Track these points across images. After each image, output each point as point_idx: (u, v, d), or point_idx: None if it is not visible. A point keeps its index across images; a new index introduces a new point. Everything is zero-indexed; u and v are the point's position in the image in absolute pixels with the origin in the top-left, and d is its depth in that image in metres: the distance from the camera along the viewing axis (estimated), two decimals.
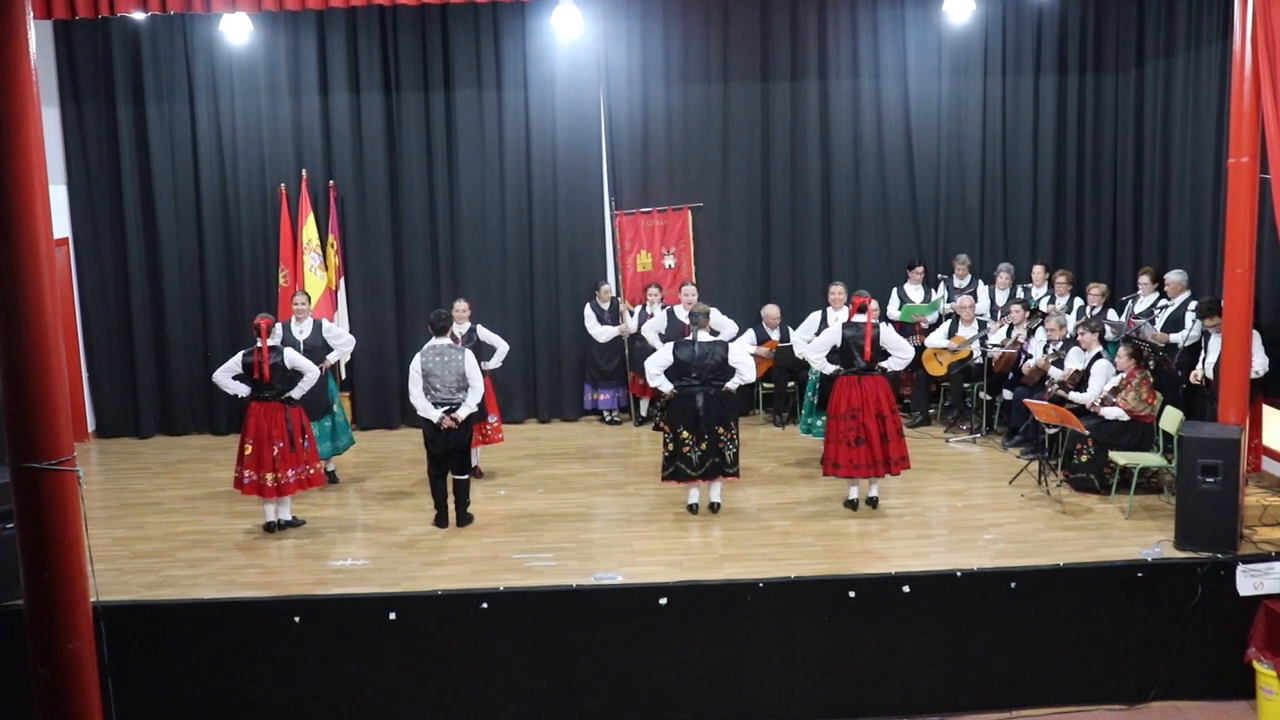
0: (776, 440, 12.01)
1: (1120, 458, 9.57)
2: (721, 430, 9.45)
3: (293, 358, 9.46)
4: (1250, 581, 8.24)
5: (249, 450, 9.33)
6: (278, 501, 9.49)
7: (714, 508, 9.68)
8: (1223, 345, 8.85)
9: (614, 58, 12.68)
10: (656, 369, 9.52)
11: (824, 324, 11.47)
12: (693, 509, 9.66)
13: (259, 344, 9.32)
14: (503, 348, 10.87)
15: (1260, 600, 8.23)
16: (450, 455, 9.48)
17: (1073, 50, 12.80)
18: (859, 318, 9.56)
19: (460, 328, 10.58)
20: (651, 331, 11.88)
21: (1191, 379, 10.02)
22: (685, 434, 9.42)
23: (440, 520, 9.57)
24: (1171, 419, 9.52)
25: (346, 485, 10.85)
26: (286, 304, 11.74)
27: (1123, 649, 8.30)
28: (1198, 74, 11.21)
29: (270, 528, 9.49)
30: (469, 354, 9.50)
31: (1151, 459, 9.60)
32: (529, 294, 12.94)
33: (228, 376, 9.42)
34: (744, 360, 9.53)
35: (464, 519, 9.59)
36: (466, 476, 9.64)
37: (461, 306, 10.78)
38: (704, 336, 9.55)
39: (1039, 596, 8.25)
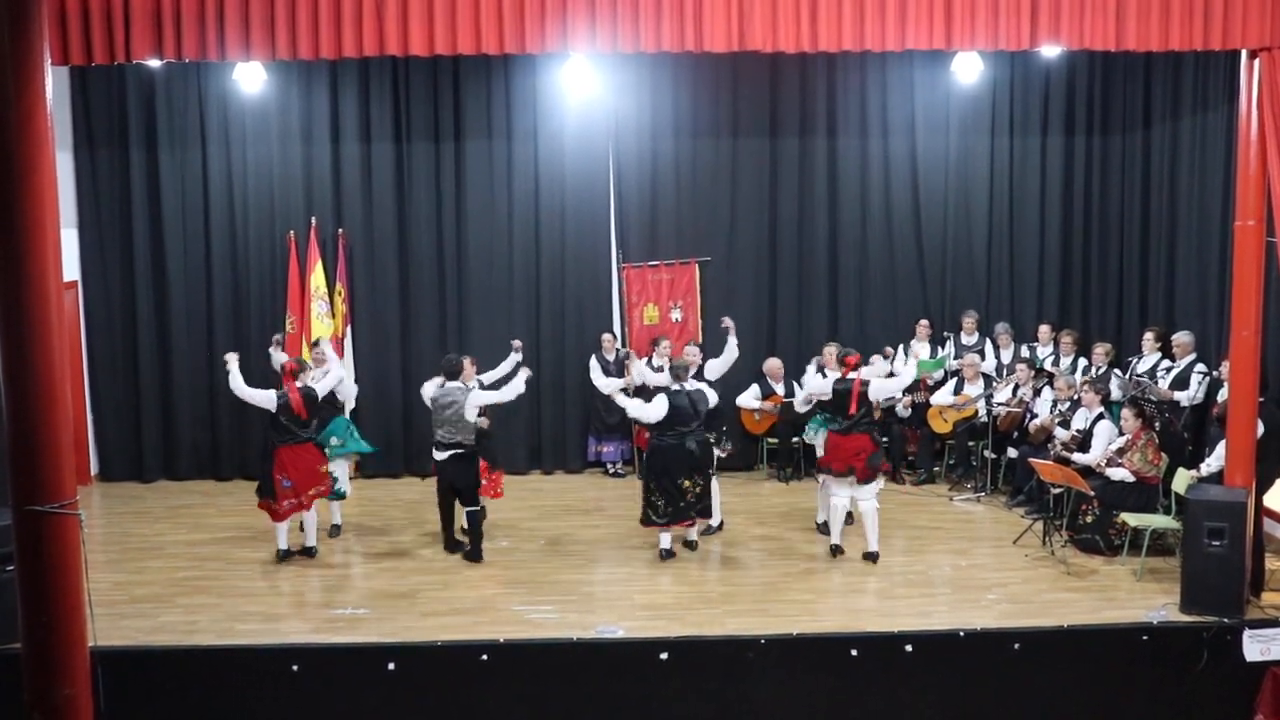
0: (780, 495, 11.96)
1: (1132, 519, 9.51)
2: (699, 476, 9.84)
3: (320, 384, 10.00)
4: (1257, 647, 8.16)
5: (285, 483, 9.67)
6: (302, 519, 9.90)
7: (692, 545, 10.04)
8: (1229, 408, 8.82)
9: (624, 111, 12.74)
10: (649, 414, 9.79)
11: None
12: (666, 554, 9.88)
13: (285, 388, 9.68)
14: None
15: (1267, 666, 8.16)
16: (456, 490, 9.83)
17: (1080, 111, 12.87)
18: (850, 375, 9.94)
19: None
20: (629, 382, 11.84)
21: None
22: (685, 482, 9.67)
23: (447, 544, 9.95)
24: (1181, 480, 9.48)
25: (348, 533, 10.77)
26: (294, 350, 11.74)
27: (1127, 713, 8.22)
28: (1204, 137, 11.27)
29: (289, 554, 9.88)
30: (471, 395, 9.70)
31: (1163, 520, 9.55)
32: (535, 345, 12.86)
33: (248, 391, 9.63)
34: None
35: (474, 554, 9.77)
36: (476, 509, 9.83)
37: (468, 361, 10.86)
38: (690, 385, 9.92)
39: (1043, 658, 8.18)
